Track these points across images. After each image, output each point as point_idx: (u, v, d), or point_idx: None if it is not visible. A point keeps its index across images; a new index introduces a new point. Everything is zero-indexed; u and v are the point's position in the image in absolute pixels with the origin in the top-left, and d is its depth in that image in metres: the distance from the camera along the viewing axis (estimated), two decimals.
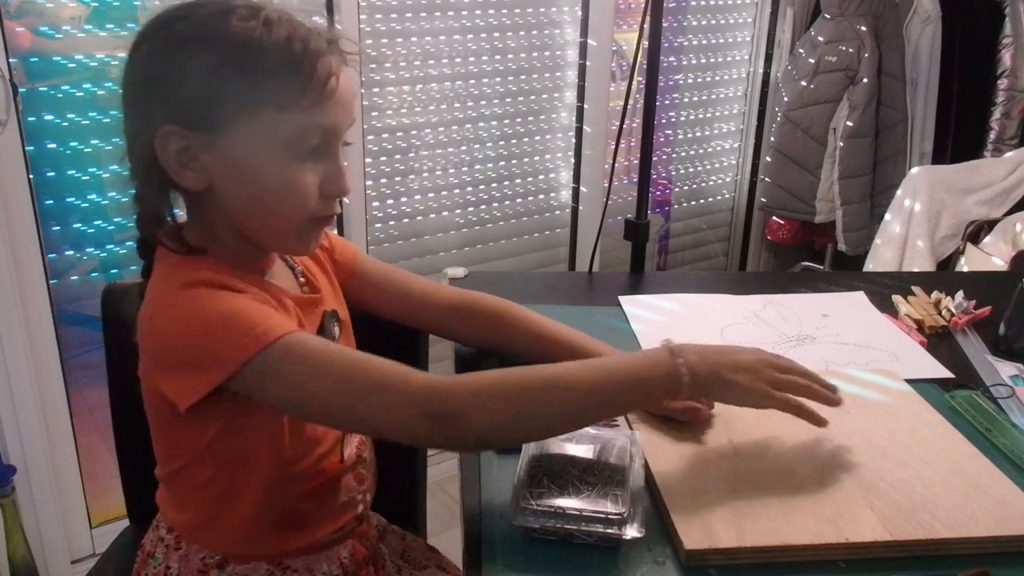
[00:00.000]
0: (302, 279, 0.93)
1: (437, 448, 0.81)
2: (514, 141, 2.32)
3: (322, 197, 0.82)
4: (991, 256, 2.07)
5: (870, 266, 2.34)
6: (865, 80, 2.48)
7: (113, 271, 1.78)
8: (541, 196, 2.43)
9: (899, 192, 2.32)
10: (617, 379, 0.79)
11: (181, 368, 0.76)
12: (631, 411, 0.90)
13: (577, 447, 0.85)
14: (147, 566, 0.93)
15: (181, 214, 0.86)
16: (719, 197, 2.92)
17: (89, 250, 1.74)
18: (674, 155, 2.76)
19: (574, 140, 2.42)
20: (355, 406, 0.75)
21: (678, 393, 0.81)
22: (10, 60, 1.54)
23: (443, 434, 0.74)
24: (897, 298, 1.29)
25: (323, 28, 0.81)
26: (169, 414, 0.80)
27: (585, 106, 2.37)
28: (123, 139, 0.81)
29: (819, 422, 0.87)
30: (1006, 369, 1.10)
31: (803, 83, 2.57)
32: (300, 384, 0.75)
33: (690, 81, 2.69)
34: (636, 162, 1.52)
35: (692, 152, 2.79)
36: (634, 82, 1.63)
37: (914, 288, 1.32)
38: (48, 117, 1.63)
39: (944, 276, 1.77)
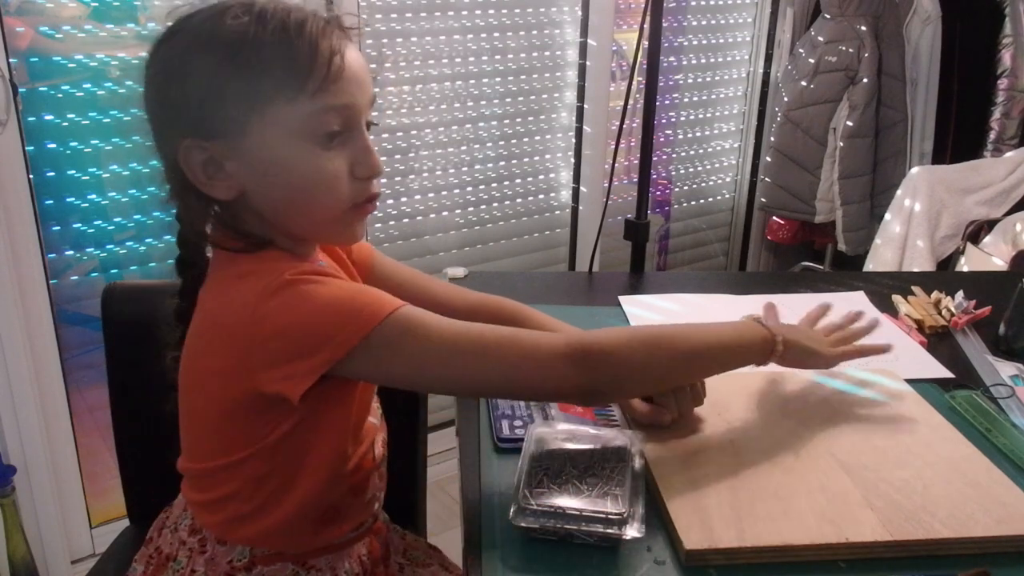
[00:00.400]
0: None
1: (570, 398, 0.87)
2: (514, 141, 2.32)
3: (356, 180, 0.80)
4: (991, 256, 2.07)
5: (870, 266, 2.35)
6: (865, 80, 2.48)
7: (113, 271, 1.78)
8: (541, 196, 2.43)
9: (899, 192, 2.32)
10: (725, 342, 0.90)
11: (292, 358, 0.75)
12: (730, 370, 0.92)
13: (577, 447, 0.85)
14: (166, 570, 0.90)
15: None
16: (719, 197, 2.92)
17: (89, 250, 1.74)
18: (674, 155, 2.76)
19: (574, 140, 2.41)
20: (496, 365, 0.78)
21: (771, 357, 0.93)
22: (10, 60, 1.54)
23: (586, 375, 0.79)
24: (897, 298, 1.29)
25: (320, 8, 0.80)
26: (247, 408, 0.79)
27: (585, 106, 2.37)
28: (159, 162, 0.81)
29: (883, 350, 1.02)
30: (1006, 369, 1.10)
31: (803, 83, 2.57)
32: (427, 354, 0.76)
33: (690, 81, 2.69)
34: (636, 162, 1.51)
35: (692, 152, 2.79)
36: (634, 82, 1.63)
37: (914, 288, 1.32)
38: (48, 117, 1.63)
39: (944, 276, 1.77)
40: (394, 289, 1.02)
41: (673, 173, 2.78)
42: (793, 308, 1.27)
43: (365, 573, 0.94)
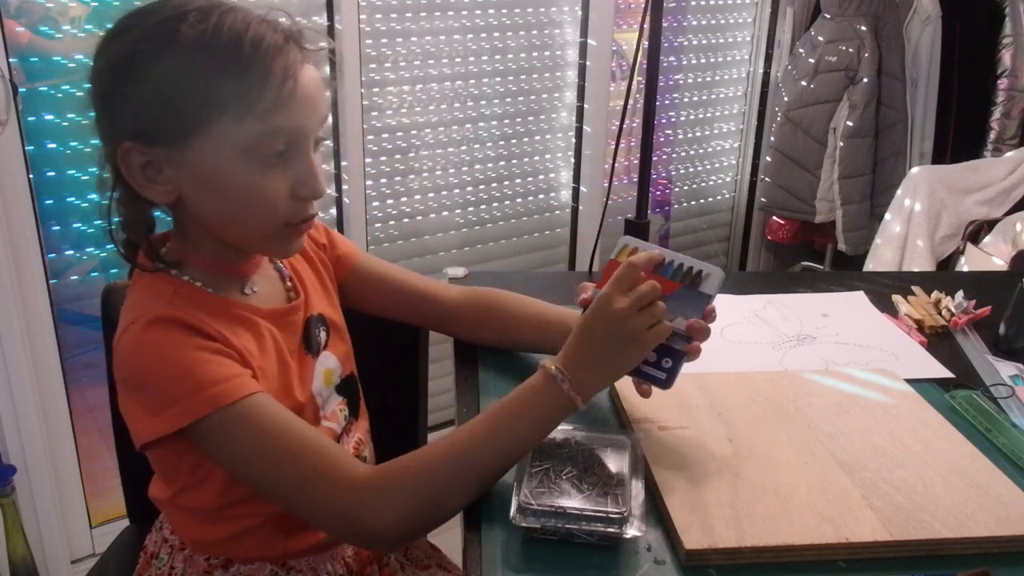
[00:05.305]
0: (289, 283, 0.92)
1: (369, 536, 0.79)
2: (514, 141, 2.32)
3: (295, 200, 0.79)
4: (991, 256, 2.07)
5: (870, 266, 2.34)
6: (865, 80, 2.48)
7: (113, 271, 1.77)
8: (541, 196, 2.43)
9: (899, 192, 2.32)
10: (513, 429, 0.78)
11: (140, 406, 0.76)
12: (537, 444, 0.82)
13: (577, 447, 0.84)
14: (150, 567, 0.93)
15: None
16: (719, 197, 2.92)
17: (89, 250, 1.74)
18: (674, 155, 2.76)
19: (574, 140, 2.41)
20: (286, 496, 0.77)
21: (575, 410, 0.79)
22: (10, 60, 1.53)
23: (389, 508, 0.75)
24: (897, 298, 1.29)
25: (284, 24, 0.77)
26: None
27: (585, 106, 2.37)
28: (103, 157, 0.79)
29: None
30: (1006, 369, 1.10)
31: (803, 83, 2.57)
32: (238, 458, 0.76)
33: (690, 81, 2.69)
34: (636, 162, 1.52)
35: (692, 152, 2.79)
36: (634, 82, 1.63)
37: (914, 288, 1.32)
38: (48, 117, 1.63)
39: (944, 276, 1.77)
40: (376, 284, 1.02)
41: (673, 173, 2.78)
42: (793, 308, 1.27)
43: (351, 574, 0.94)
